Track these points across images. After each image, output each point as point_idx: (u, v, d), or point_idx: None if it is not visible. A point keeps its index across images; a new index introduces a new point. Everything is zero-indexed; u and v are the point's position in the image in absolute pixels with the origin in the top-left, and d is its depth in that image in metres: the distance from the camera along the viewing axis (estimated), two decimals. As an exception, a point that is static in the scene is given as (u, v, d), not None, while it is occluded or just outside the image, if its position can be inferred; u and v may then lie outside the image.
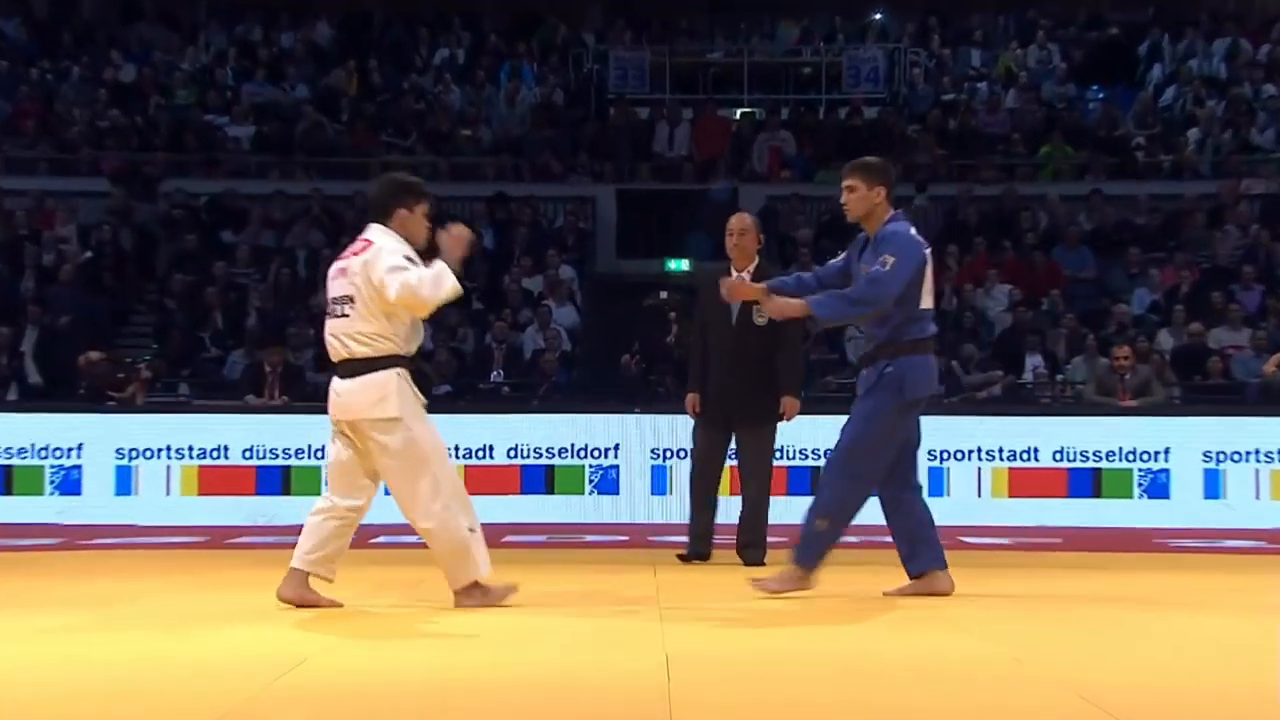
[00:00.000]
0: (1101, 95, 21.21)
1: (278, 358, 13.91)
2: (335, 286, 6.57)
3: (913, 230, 6.98)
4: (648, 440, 12.33)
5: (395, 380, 6.47)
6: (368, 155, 19.96)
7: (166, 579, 8.23)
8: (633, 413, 12.61)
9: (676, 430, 12.25)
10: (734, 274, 8.41)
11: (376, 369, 6.47)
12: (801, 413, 8.82)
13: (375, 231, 6.58)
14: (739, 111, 21.66)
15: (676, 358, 13.84)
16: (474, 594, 6.57)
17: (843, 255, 7.15)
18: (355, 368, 6.50)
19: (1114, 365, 13.55)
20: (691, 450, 9.09)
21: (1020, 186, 19.04)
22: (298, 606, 6.56)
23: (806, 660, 5.42)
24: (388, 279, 6.36)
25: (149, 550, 10.29)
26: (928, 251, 6.95)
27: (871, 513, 12.10)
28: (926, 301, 6.93)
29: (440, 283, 6.36)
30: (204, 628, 6.14)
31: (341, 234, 18.15)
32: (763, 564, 8.55)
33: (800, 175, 19.74)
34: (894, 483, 7.06)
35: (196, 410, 13.67)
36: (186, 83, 21.08)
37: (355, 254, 6.55)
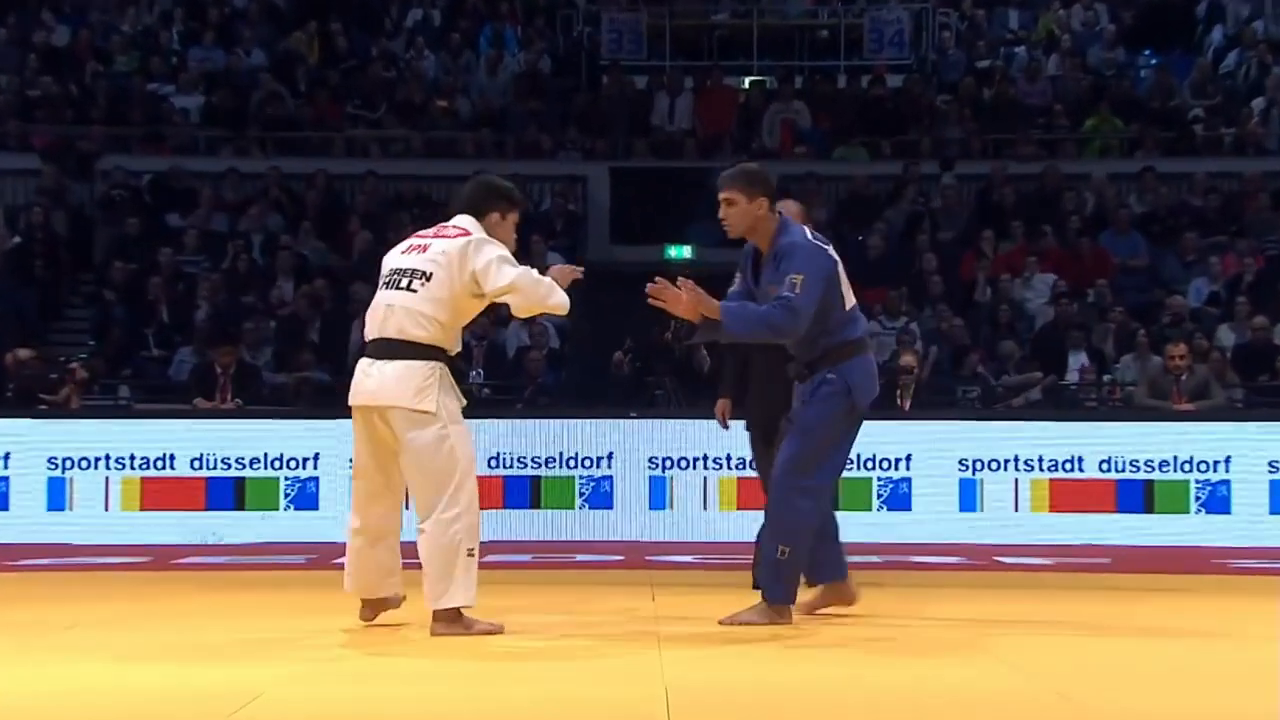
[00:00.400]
0: (1155, 61, 21.20)
1: (230, 357, 13.90)
2: (406, 259, 6.75)
3: (809, 232, 7.12)
4: (645, 448, 12.33)
5: (439, 373, 6.62)
6: (331, 129, 19.95)
7: (105, 604, 8.23)
8: (628, 417, 12.60)
9: (676, 437, 12.25)
10: None
11: (420, 357, 6.61)
12: None
13: (469, 222, 6.81)
14: (747, 80, 21.63)
15: (677, 356, 13.86)
16: (455, 621, 6.63)
17: (739, 280, 7.28)
18: (398, 349, 6.64)
19: (1168, 365, 13.55)
20: (755, 465, 9.07)
21: (1063, 164, 19.03)
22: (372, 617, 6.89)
23: (821, 695, 5.42)
24: (498, 267, 6.60)
25: (85, 572, 10.29)
26: (833, 251, 7.09)
27: (891, 532, 12.12)
28: (850, 300, 7.12)
29: (554, 291, 6.67)
30: (148, 658, 6.14)
31: (302, 217, 18.23)
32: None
33: (816, 152, 19.74)
34: None
35: (139, 415, 13.66)
36: (127, 47, 21.03)
37: (443, 236, 6.76)
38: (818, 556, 7.26)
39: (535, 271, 6.72)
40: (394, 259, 6.81)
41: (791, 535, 6.98)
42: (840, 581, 7.38)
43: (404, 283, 6.68)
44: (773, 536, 7.04)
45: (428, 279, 6.64)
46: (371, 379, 6.67)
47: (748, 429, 8.67)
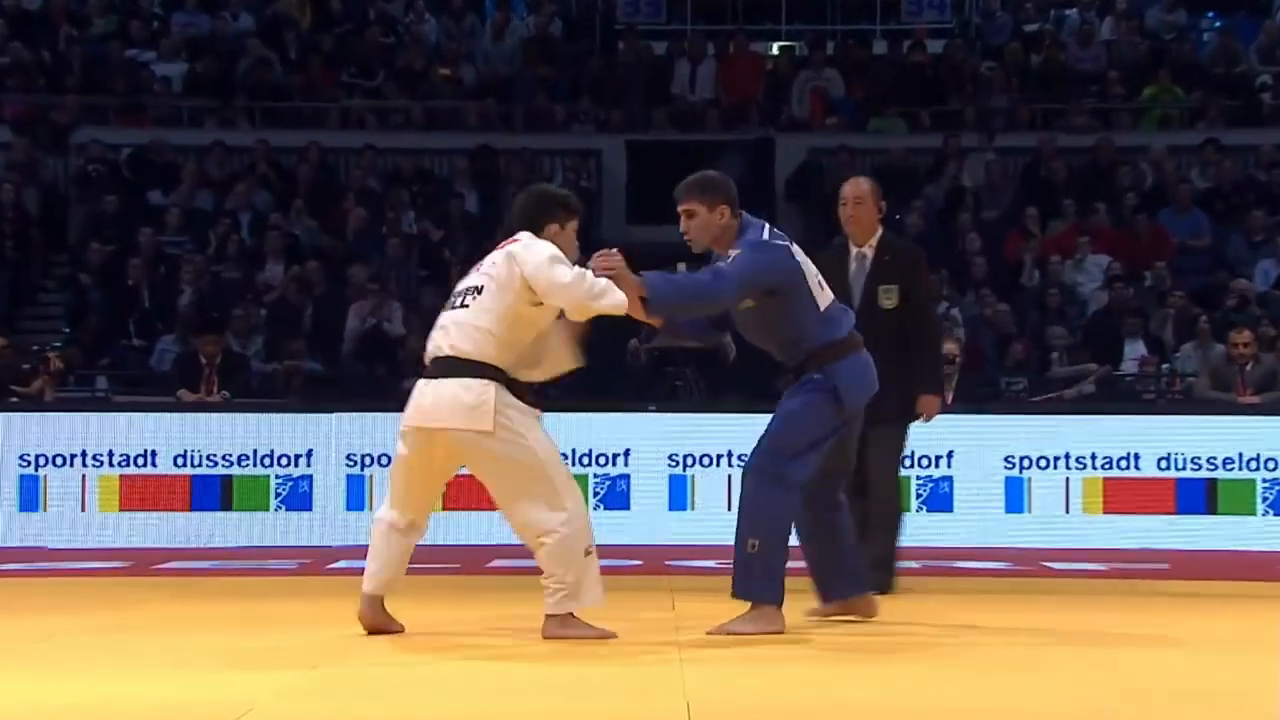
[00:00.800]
0: (1218, 24, 21.19)
1: (216, 346, 13.96)
2: (466, 280, 6.93)
3: (767, 229, 7.21)
4: (663, 444, 12.36)
5: (493, 390, 6.72)
6: (324, 99, 19.99)
7: (83, 614, 8.27)
8: (645, 411, 12.63)
9: (698, 432, 12.29)
10: (853, 250, 8.67)
11: (472, 374, 6.73)
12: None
13: (525, 235, 6.94)
14: (775, 45, 21.67)
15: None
16: (568, 624, 6.79)
17: None
18: (448, 366, 6.76)
19: (1232, 353, 13.56)
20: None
21: (1118, 136, 19.03)
22: (371, 632, 6.92)
23: (851, 710, 5.45)
24: (549, 266, 6.71)
25: (61, 577, 10.34)
26: (798, 252, 7.15)
27: (931, 535, 12.10)
28: (824, 301, 7.18)
29: (610, 291, 6.76)
30: (131, 670, 6.18)
31: (293, 194, 18.27)
32: (889, 590, 8.64)
33: (850, 123, 19.75)
34: (817, 504, 7.26)
35: (118, 408, 13.70)
36: (104, 11, 21.10)
37: (498, 249, 6.91)
38: (845, 564, 7.33)
39: (590, 273, 6.78)
40: (464, 279, 6.96)
41: (764, 526, 7.02)
42: (857, 598, 7.43)
43: (458, 301, 6.85)
44: (742, 530, 7.07)
45: (479, 292, 6.78)
46: (426, 398, 6.79)
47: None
